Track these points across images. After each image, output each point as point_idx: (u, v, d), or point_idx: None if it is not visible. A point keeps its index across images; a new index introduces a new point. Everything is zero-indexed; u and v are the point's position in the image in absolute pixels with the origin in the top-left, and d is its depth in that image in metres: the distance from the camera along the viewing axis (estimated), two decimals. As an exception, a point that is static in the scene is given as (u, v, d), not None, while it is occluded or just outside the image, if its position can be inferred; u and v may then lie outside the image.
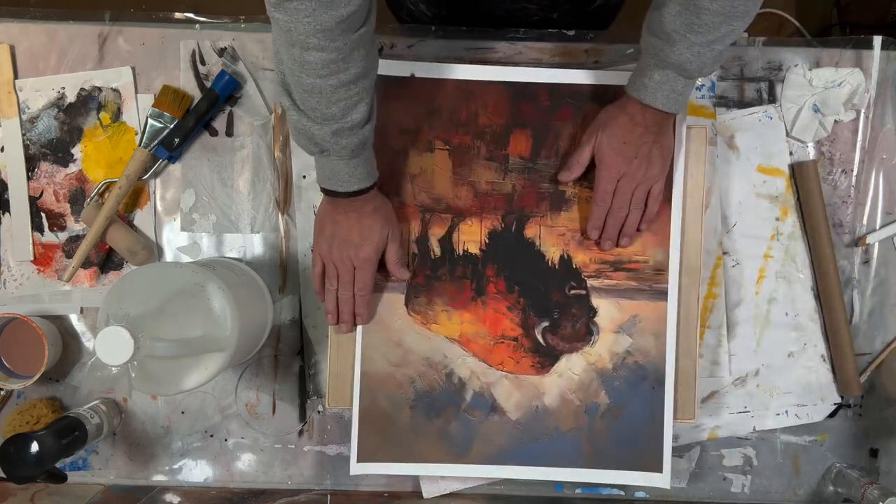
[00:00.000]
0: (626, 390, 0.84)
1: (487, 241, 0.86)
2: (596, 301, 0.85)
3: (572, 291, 0.85)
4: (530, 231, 0.86)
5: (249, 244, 0.91)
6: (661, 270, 0.85)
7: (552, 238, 0.86)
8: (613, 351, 0.85)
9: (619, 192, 0.80)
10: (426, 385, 0.85)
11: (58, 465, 0.80)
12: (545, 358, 0.85)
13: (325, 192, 0.76)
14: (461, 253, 0.86)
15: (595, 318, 0.85)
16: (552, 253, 0.86)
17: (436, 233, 0.86)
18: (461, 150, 0.86)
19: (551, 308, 0.85)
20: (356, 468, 0.84)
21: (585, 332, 0.85)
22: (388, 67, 0.86)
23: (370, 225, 0.78)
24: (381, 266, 0.83)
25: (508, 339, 0.86)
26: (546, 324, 0.85)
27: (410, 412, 0.85)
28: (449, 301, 0.86)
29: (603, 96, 0.85)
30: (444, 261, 0.86)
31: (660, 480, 0.84)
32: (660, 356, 0.84)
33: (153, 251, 0.90)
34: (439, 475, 0.87)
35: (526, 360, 0.85)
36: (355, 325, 0.84)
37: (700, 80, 0.87)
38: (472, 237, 0.86)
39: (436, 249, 0.86)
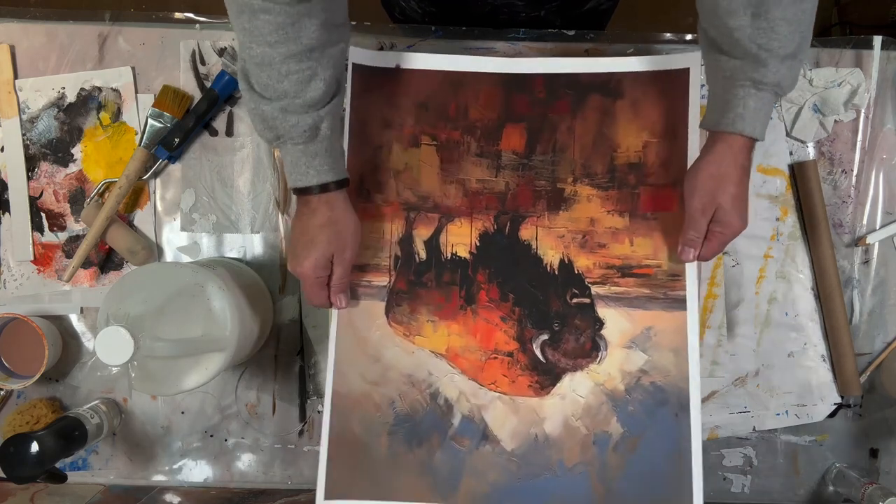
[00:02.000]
0: (643, 417, 0.73)
1: (478, 244, 0.79)
2: (602, 311, 0.77)
3: (574, 300, 0.77)
4: (526, 233, 0.79)
5: (249, 244, 0.91)
6: (677, 276, 0.76)
7: (550, 240, 0.78)
8: (625, 369, 0.75)
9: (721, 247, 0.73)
10: (407, 407, 0.76)
11: (58, 465, 0.80)
12: (545, 376, 0.76)
13: (293, 191, 0.71)
14: (449, 256, 0.79)
15: (602, 331, 0.76)
16: (550, 257, 0.78)
17: (421, 234, 0.79)
18: (449, 145, 0.80)
19: (551, 319, 0.77)
20: None
21: (591, 347, 0.76)
22: (370, 58, 0.81)
23: (314, 239, 0.71)
24: (358, 268, 0.78)
25: (502, 355, 0.77)
26: (545, 337, 0.77)
27: (388, 439, 0.75)
28: (435, 310, 0.78)
29: (604, 86, 0.80)
30: (430, 265, 0.78)
31: None
32: (681, 376, 0.74)
33: (153, 251, 0.90)
34: None
35: (522, 378, 0.76)
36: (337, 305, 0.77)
37: (702, 79, 0.86)
38: (461, 239, 0.79)
39: (421, 252, 0.79)
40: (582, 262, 0.78)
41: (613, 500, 0.72)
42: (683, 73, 0.79)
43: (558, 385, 0.76)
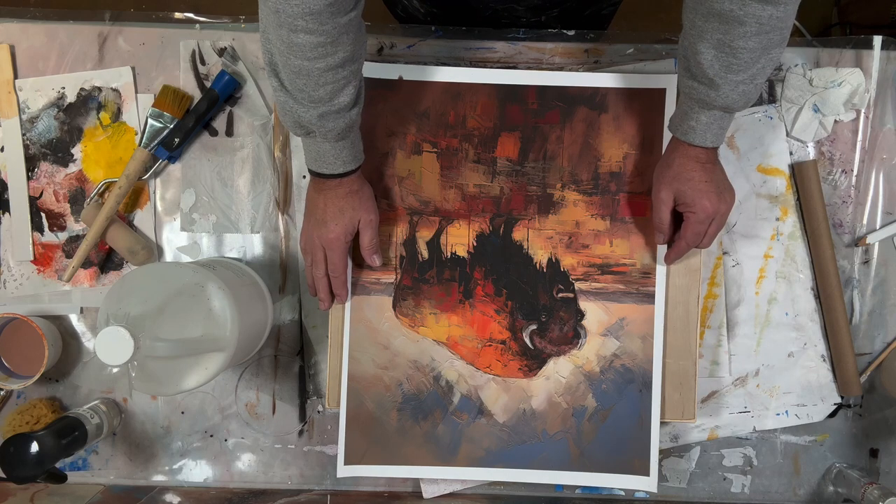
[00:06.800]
0: (613, 393, 0.84)
1: (475, 244, 0.86)
2: (583, 304, 0.85)
3: (560, 294, 0.85)
4: (518, 234, 0.86)
5: (249, 244, 0.91)
6: (648, 273, 0.85)
7: (540, 241, 0.86)
8: (600, 354, 0.85)
9: (709, 233, 0.78)
10: (413, 388, 0.85)
11: (58, 465, 0.80)
12: (533, 361, 0.85)
13: (311, 172, 0.77)
14: (449, 256, 0.86)
15: (582, 321, 0.85)
16: (540, 256, 0.86)
17: (423, 235, 0.86)
18: (449, 152, 0.86)
19: (539, 311, 0.86)
20: (343, 470, 0.85)
21: (573, 335, 0.85)
22: (375, 70, 0.86)
23: (342, 207, 0.78)
24: (368, 267, 0.85)
25: (496, 342, 0.86)
26: (534, 327, 0.85)
27: (398, 415, 0.85)
28: (436, 304, 0.86)
29: (590, 99, 0.86)
30: (432, 263, 0.86)
31: (647, 484, 0.84)
32: (647, 359, 0.84)
33: (153, 251, 0.90)
34: (426, 478, 0.87)
35: (513, 363, 0.85)
36: (334, 302, 0.84)
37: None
38: (459, 240, 0.86)
39: (423, 252, 0.86)
40: (567, 261, 0.86)
41: (586, 460, 0.84)
42: (660, 93, 0.86)
43: (544, 368, 0.86)
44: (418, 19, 1.02)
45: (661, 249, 0.85)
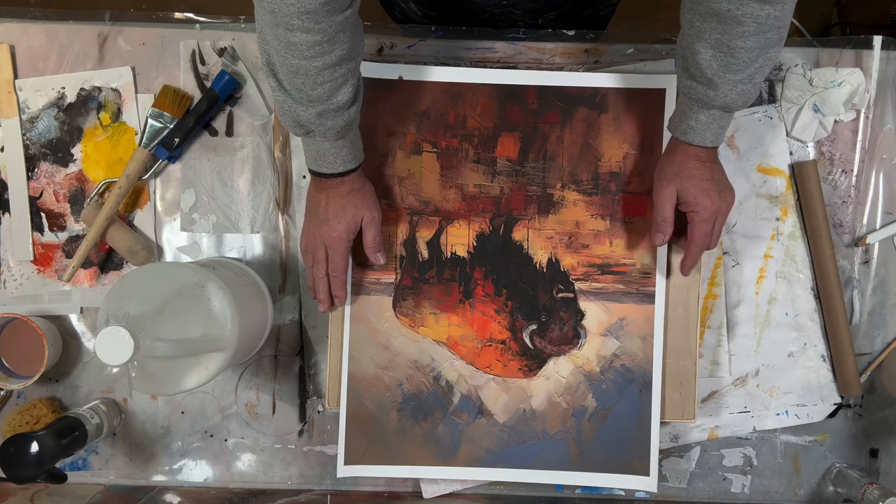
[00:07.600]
0: (613, 393, 0.85)
1: (475, 244, 0.86)
2: (583, 304, 0.85)
3: (560, 294, 0.86)
4: (518, 234, 0.86)
5: (249, 244, 0.91)
6: (648, 273, 0.85)
7: (540, 241, 0.86)
8: (601, 354, 0.85)
9: (715, 231, 0.78)
10: (413, 388, 0.85)
11: (58, 465, 0.80)
12: (533, 361, 0.86)
13: (311, 172, 0.77)
14: (449, 256, 0.86)
15: (582, 321, 0.85)
16: (540, 256, 0.86)
17: (423, 235, 0.86)
18: (449, 152, 0.86)
19: (539, 311, 0.86)
20: (343, 470, 0.85)
21: (573, 335, 0.85)
22: (375, 70, 0.86)
23: (343, 206, 0.78)
24: (368, 267, 0.85)
25: (496, 342, 0.86)
26: (534, 327, 0.86)
27: (398, 415, 0.85)
28: (436, 304, 0.86)
29: (590, 99, 0.86)
30: (432, 263, 0.86)
31: (647, 484, 0.84)
32: (647, 359, 0.85)
33: (153, 251, 0.90)
34: (426, 478, 0.87)
35: (513, 363, 0.86)
36: (334, 305, 0.84)
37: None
38: (459, 240, 0.86)
39: (423, 252, 0.86)
40: (567, 261, 0.86)
41: (586, 460, 0.85)
42: (660, 93, 0.86)
43: (544, 368, 0.86)
44: (415, 21, 1.02)
45: (662, 250, 0.85)
